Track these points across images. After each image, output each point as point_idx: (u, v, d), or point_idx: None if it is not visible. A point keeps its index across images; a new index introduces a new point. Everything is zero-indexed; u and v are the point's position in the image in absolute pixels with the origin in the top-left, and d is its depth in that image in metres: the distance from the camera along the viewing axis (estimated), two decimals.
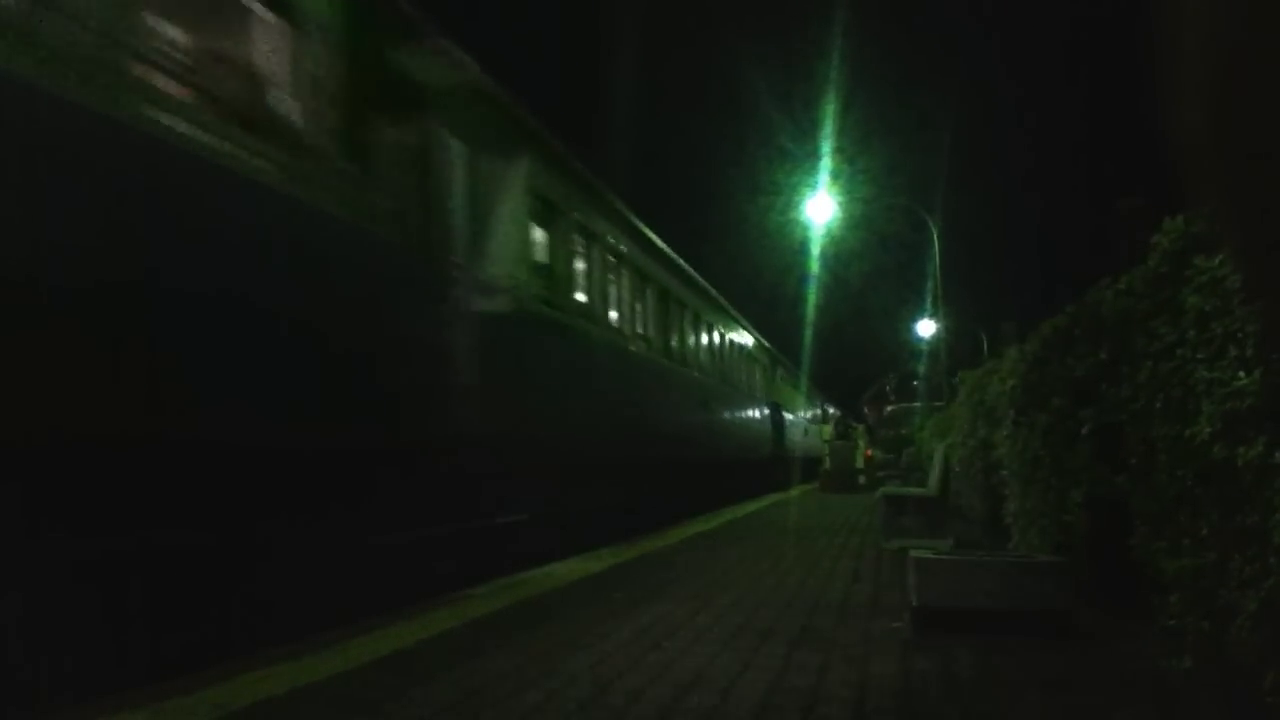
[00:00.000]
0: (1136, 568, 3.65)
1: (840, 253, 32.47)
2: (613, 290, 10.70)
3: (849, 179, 27.17)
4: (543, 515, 7.78)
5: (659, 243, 12.68)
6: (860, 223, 27.26)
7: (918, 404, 31.88)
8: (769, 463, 21.34)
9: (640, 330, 11.92)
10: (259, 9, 4.69)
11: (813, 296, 29.41)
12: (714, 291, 16.69)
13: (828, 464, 21.17)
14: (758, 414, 20.86)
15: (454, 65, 6.58)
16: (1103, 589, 4.31)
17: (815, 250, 26.95)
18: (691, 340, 14.77)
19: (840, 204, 22.28)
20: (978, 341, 31.00)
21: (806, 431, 30.55)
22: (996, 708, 2.89)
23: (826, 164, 25.13)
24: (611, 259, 10.63)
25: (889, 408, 40.21)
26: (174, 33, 4.07)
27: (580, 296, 9.53)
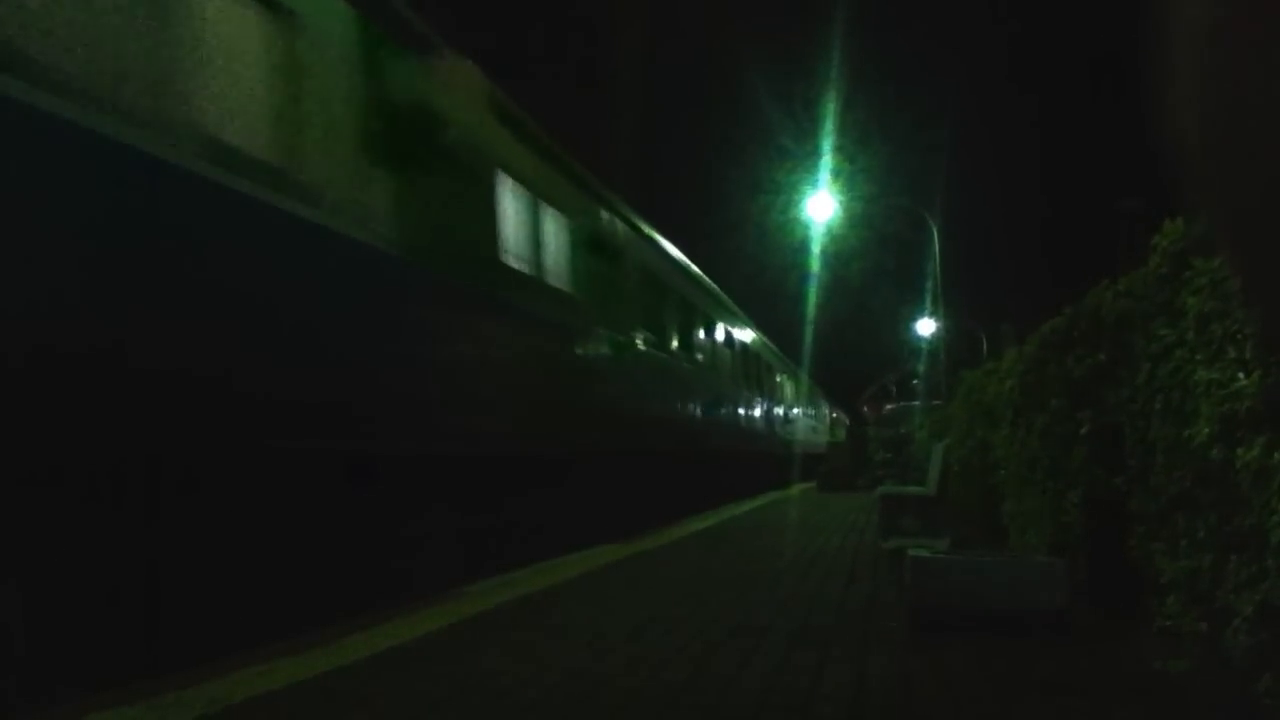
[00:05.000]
0: (1134, 569, 3.66)
1: (841, 251, 32.57)
2: (763, 374, 23.90)
3: (849, 177, 27.16)
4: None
5: (775, 347, 26.65)
6: (861, 221, 27.26)
7: (916, 403, 31.88)
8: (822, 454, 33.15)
9: (780, 390, 27.09)
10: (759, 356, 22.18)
11: (813, 295, 29.59)
12: (809, 379, 32.54)
13: (826, 463, 21.65)
14: (819, 428, 37.54)
15: (757, 329, 21.84)
16: (1100, 590, 4.31)
17: (816, 249, 27.05)
18: (786, 393, 29.07)
19: (841, 203, 22.22)
20: (977, 341, 31.03)
21: (811, 429, 36.91)
22: (992, 709, 2.89)
23: (827, 162, 25.07)
24: (765, 364, 23.74)
25: (888, 406, 40.21)
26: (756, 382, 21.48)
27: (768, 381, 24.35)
